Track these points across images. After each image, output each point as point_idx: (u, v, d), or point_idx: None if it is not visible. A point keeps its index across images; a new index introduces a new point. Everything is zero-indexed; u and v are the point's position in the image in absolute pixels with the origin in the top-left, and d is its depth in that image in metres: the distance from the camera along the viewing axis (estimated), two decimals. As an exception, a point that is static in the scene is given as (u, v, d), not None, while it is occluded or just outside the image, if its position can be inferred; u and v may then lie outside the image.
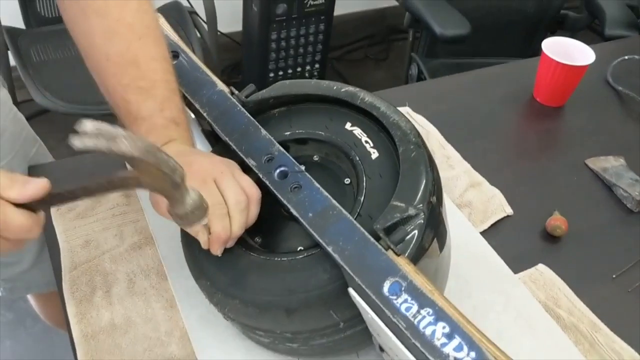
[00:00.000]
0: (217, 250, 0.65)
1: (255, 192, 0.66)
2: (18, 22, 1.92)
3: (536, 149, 1.13)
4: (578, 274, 0.88)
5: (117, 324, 0.77)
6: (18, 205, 0.52)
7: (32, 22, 1.95)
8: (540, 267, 0.88)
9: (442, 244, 0.66)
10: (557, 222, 0.93)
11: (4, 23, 1.78)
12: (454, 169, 1.03)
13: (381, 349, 0.64)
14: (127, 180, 0.53)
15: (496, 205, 0.97)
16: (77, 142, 0.47)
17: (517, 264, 0.88)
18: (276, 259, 0.64)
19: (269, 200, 0.70)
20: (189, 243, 0.69)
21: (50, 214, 0.89)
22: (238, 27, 2.44)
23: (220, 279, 0.65)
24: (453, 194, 0.98)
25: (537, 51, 1.23)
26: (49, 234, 0.87)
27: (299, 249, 0.66)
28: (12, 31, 1.86)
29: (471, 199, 0.98)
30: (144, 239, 0.87)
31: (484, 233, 0.92)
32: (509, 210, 0.97)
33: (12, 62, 1.81)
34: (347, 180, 0.71)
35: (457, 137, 1.10)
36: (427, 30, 1.80)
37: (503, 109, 1.21)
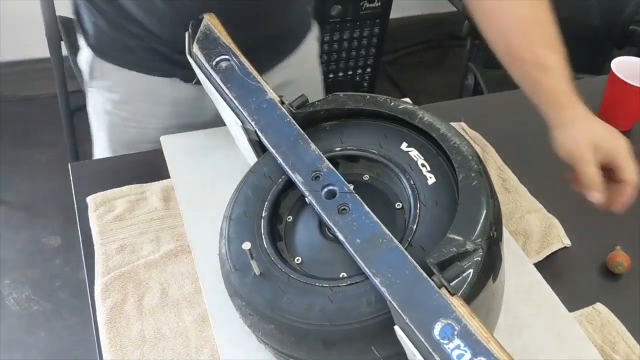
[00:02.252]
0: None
1: None
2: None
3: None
4: (638, 316, 0.81)
5: (146, 336, 0.74)
6: None
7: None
8: (598, 306, 0.82)
9: (495, 276, 0.61)
10: (618, 258, 0.87)
11: (58, 13, 1.79)
12: (510, 193, 0.97)
13: None
14: None
15: (553, 235, 0.91)
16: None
17: (573, 301, 0.82)
18: (317, 284, 0.60)
19: (313, 219, 0.67)
20: (226, 258, 0.65)
21: (88, 215, 0.87)
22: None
23: (256, 300, 0.61)
24: (508, 221, 0.92)
25: (604, 67, 1.16)
26: (84, 236, 0.85)
27: (341, 275, 0.61)
28: (66, 22, 1.86)
29: (527, 227, 0.92)
30: (181, 247, 0.84)
31: (538, 265, 0.86)
32: (567, 242, 0.90)
33: (65, 52, 1.82)
34: (398, 205, 0.66)
35: (516, 158, 1.04)
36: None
37: (565, 130, 1.14)
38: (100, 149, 1.10)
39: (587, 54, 1.91)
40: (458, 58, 2.52)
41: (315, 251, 0.66)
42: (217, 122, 0.92)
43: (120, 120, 1.04)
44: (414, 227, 0.61)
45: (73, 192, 0.91)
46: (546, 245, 0.90)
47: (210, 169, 0.94)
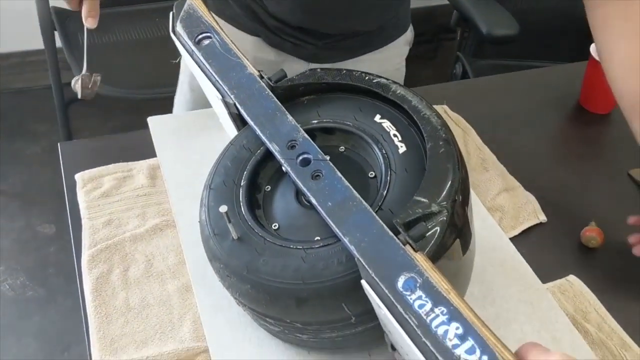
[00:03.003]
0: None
1: None
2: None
3: (577, 156, 1.08)
4: (611, 288, 0.84)
5: (131, 304, 0.76)
6: None
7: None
8: (571, 278, 0.85)
9: (465, 247, 0.63)
10: (592, 233, 0.89)
11: (52, 4, 1.81)
12: (488, 172, 1.00)
13: (393, 348, 0.62)
14: None
15: (529, 211, 0.94)
16: None
17: (547, 273, 0.84)
18: (292, 246, 0.63)
19: (291, 188, 0.69)
20: (206, 224, 0.68)
21: (76, 191, 0.90)
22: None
23: (233, 262, 0.64)
24: (485, 197, 0.95)
25: (588, 56, 1.19)
26: (72, 210, 0.88)
27: (315, 239, 0.64)
28: (60, 12, 1.89)
29: (503, 204, 0.94)
30: (166, 222, 0.86)
31: (513, 239, 0.89)
32: (542, 218, 0.93)
33: (59, 43, 1.84)
34: (371, 174, 0.68)
35: (496, 139, 1.06)
36: (475, 30, 1.76)
37: (546, 113, 1.17)
38: (183, 99, 1.19)
39: (574, 43, 1.93)
40: (451, 51, 2.54)
41: (291, 218, 0.68)
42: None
43: None
44: (384, 192, 0.63)
45: (62, 169, 0.94)
46: (522, 221, 0.92)
47: (197, 149, 0.97)
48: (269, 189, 0.71)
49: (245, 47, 1.06)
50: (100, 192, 0.89)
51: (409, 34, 1.20)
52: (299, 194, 0.69)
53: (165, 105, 1.24)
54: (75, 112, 1.99)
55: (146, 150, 0.97)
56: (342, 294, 0.58)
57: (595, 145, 1.12)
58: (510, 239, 0.89)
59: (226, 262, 0.64)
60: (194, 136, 0.99)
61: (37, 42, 1.87)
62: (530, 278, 0.83)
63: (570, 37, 1.92)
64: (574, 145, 1.12)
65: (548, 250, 0.89)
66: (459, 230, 0.60)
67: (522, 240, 0.89)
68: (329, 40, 1.07)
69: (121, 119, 2.21)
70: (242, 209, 0.67)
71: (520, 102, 1.19)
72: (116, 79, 1.77)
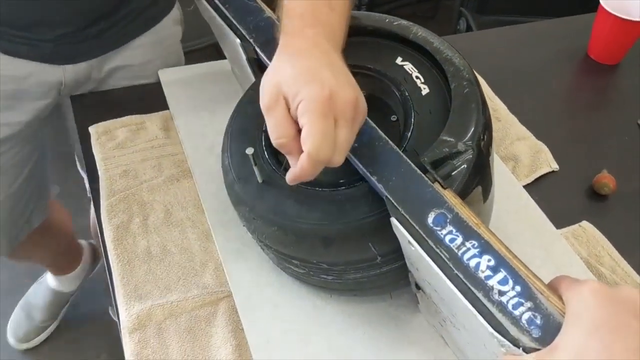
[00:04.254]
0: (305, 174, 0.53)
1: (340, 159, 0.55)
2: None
3: (587, 106, 1.08)
4: (623, 234, 0.85)
5: (152, 252, 0.77)
6: None
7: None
8: (584, 224, 0.85)
9: (486, 194, 0.64)
10: (604, 180, 0.90)
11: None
12: (500, 122, 1.00)
13: (417, 287, 0.63)
14: None
15: (542, 160, 0.94)
16: None
17: (560, 220, 0.85)
18: (317, 188, 0.63)
19: None
20: (229, 169, 0.68)
21: (91, 143, 0.90)
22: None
23: (259, 206, 0.64)
24: (498, 147, 0.95)
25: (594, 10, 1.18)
26: (89, 162, 0.88)
27: (340, 182, 0.64)
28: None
29: (516, 152, 0.95)
30: (182, 172, 0.86)
31: (527, 187, 0.90)
32: (554, 166, 0.93)
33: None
34: (393, 118, 0.68)
35: (506, 92, 1.06)
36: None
37: (555, 65, 1.16)
38: None
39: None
40: (450, 11, 2.52)
41: None
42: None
43: None
44: (408, 134, 0.63)
45: (75, 121, 0.94)
46: (535, 169, 0.93)
47: (209, 100, 0.97)
48: None
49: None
50: (114, 144, 0.89)
51: (176, 12, 1.08)
52: None
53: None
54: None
55: (157, 103, 0.97)
56: (369, 233, 0.59)
57: (605, 96, 1.12)
58: (524, 186, 0.89)
59: (252, 205, 0.64)
60: (205, 88, 0.99)
61: None
62: (544, 224, 0.84)
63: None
64: (584, 96, 1.12)
65: (561, 197, 0.90)
66: (483, 173, 0.61)
67: (535, 188, 0.90)
68: (68, 31, 0.94)
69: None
70: (265, 153, 0.67)
71: (528, 54, 1.18)
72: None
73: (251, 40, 0.71)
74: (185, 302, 0.72)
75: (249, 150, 0.63)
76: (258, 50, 0.71)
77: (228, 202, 0.75)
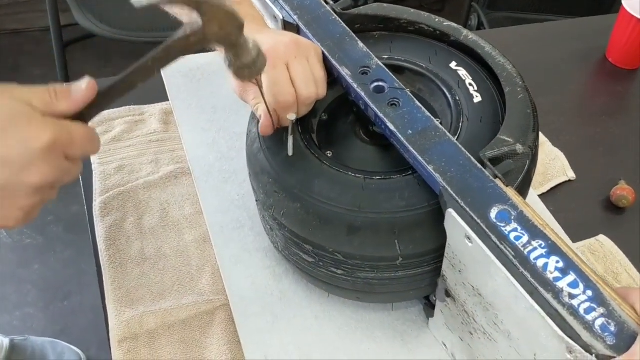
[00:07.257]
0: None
1: (323, 91, 0.63)
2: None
3: (605, 112, 1.04)
4: (642, 249, 0.81)
5: (147, 254, 0.73)
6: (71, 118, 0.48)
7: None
8: (601, 238, 0.82)
9: (525, 197, 0.62)
10: (623, 192, 0.86)
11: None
12: (515, 126, 0.96)
13: (447, 295, 0.59)
14: (189, 38, 0.49)
15: (558, 168, 0.90)
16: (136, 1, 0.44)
17: (576, 232, 0.81)
18: (350, 173, 0.60)
19: (348, 119, 0.68)
20: (257, 136, 0.65)
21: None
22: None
23: (285, 178, 0.61)
24: (512, 152, 0.91)
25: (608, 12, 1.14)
26: (82, 155, 0.83)
27: (376, 170, 0.62)
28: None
29: (531, 159, 0.90)
30: (181, 169, 0.82)
31: (542, 196, 0.86)
32: (571, 175, 0.89)
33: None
34: (437, 121, 0.65)
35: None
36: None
37: (571, 67, 1.12)
38: None
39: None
40: (457, 3, 2.47)
41: (346, 149, 0.66)
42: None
43: None
44: (455, 138, 0.60)
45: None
46: (550, 177, 0.89)
47: (211, 93, 0.92)
48: (325, 117, 0.69)
49: None
50: (111, 136, 0.85)
51: None
52: (357, 127, 0.67)
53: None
54: (71, 56, 1.91)
55: (158, 94, 0.92)
56: (399, 229, 0.57)
57: (623, 102, 1.08)
58: (539, 196, 0.85)
59: (276, 177, 0.61)
60: (208, 80, 0.94)
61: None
62: (560, 236, 0.80)
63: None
64: (601, 100, 1.08)
65: (577, 208, 0.86)
66: (532, 174, 0.61)
67: (551, 198, 0.86)
68: None
69: (120, 63, 2.14)
70: (298, 128, 0.64)
71: (543, 54, 1.14)
72: (117, 21, 1.70)
73: (295, 18, 0.68)
74: (180, 309, 0.68)
75: (291, 116, 0.59)
76: (303, 27, 0.68)
77: (228, 203, 0.71)
